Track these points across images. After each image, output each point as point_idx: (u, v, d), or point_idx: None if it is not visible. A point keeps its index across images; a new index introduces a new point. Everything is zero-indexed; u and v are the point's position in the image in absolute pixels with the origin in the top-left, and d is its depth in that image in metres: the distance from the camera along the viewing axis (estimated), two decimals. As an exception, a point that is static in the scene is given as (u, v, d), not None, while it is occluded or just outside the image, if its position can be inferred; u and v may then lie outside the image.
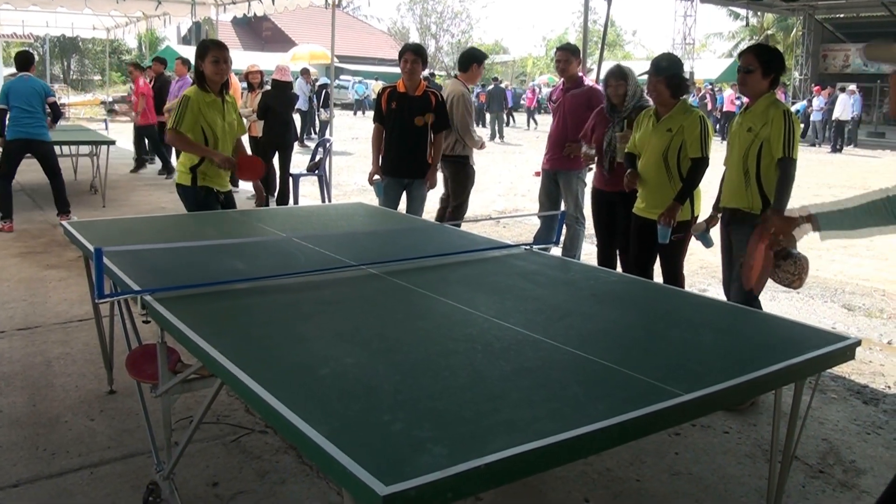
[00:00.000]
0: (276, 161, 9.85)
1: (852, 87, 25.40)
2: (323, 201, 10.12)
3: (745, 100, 4.37)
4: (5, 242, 7.74)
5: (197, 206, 5.04)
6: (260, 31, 49.92)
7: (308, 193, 11.03)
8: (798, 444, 2.80)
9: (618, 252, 5.59)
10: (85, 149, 11.00)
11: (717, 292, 6.16)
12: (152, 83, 12.70)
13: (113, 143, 10.68)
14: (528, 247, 3.92)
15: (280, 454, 3.53)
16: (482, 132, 7.62)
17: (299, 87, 18.42)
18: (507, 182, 13.67)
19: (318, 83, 22.27)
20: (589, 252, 6.85)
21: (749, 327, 2.81)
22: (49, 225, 8.64)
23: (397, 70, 6.29)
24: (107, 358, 4.19)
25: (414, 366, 2.22)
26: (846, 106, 23.93)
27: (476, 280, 3.27)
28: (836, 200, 2.75)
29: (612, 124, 5.44)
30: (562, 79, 6.50)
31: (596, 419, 1.86)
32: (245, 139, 5.92)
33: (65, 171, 9.03)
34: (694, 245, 4.88)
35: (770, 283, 4.24)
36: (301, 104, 18.34)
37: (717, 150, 4.40)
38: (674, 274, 4.76)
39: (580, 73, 6.51)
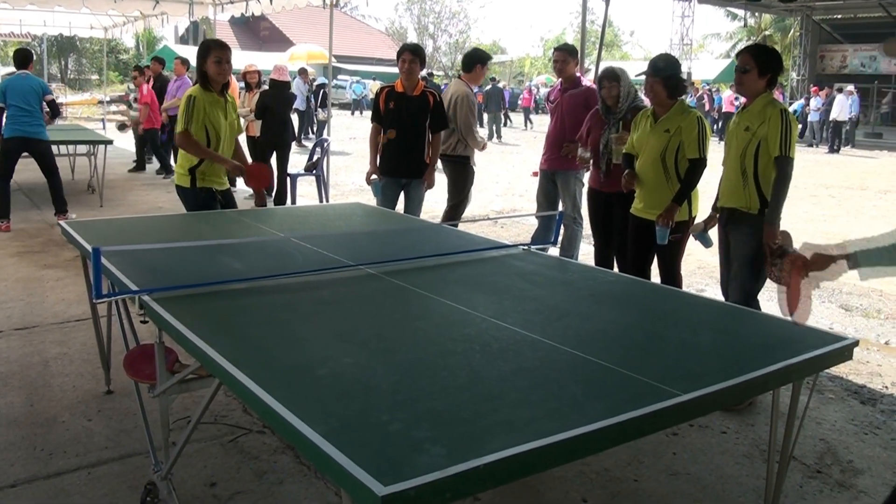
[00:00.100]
0: (273, 161, 9.85)
1: (850, 87, 25.42)
2: (320, 201, 10.11)
3: (742, 100, 4.37)
4: (2, 242, 7.73)
5: (197, 207, 5.05)
6: (258, 31, 49.89)
7: (305, 193, 11.02)
8: (796, 444, 2.80)
9: (615, 252, 5.60)
10: (82, 148, 10.99)
11: (714, 292, 6.16)
12: (151, 83, 12.69)
13: (110, 142, 10.67)
14: (526, 247, 3.92)
15: (278, 454, 3.52)
16: (480, 132, 7.64)
17: (297, 87, 18.41)
18: (504, 182, 13.67)
19: (315, 83, 22.25)
20: (586, 252, 6.86)
21: (747, 327, 2.82)
22: (46, 224, 8.63)
23: (395, 70, 6.28)
24: (104, 358, 4.19)
25: (412, 366, 2.22)
26: (844, 106, 23.95)
27: (474, 280, 3.27)
28: (871, 237, 2.70)
29: (607, 126, 5.44)
30: (559, 79, 6.50)
31: (594, 419, 1.86)
32: (242, 139, 5.92)
33: (62, 170, 9.01)
34: (691, 245, 4.88)
35: (768, 283, 4.26)
36: (299, 104, 18.33)
37: (715, 151, 4.40)
38: (671, 274, 4.76)
39: (578, 74, 6.52)
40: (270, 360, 2.21)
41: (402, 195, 6.32)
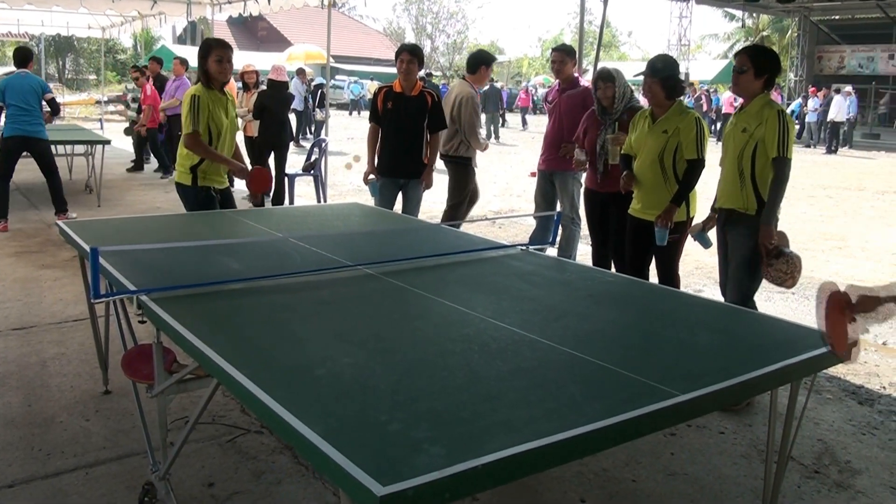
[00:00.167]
0: (271, 161, 9.84)
1: (848, 88, 25.46)
2: (318, 201, 10.11)
3: (742, 102, 4.37)
4: (0, 242, 7.72)
5: (197, 205, 5.07)
6: (255, 31, 49.88)
7: (303, 193, 11.02)
8: (794, 444, 2.80)
9: (611, 252, 5.61)
10: (80, 148, 10.99)
11: (712, 293, 6.17)
12: (151, 83, 12.70)
13: (108, 142, 10.67)
14: (524, 247, 3.92)
15: (276, 454, 3.52)
16: (482, 133, 7.67)
17: (295, 87, 18.40)
18: (502, 182, 13.67)
19: (313, 83, 22.25)
20: (584, 252, 6.86)
21: (745, 328, 2.82)
22: (44, 224, 8.62)
23: (393, 70, 6.29)
24: (102, 358, 4.18)
25: (411, 366, 2.22)
26: (841, 107, 23.98)
27: (472, 280, 3.27)
28: None
29: (603, 126, 5.45)
30: (557, 79, 6.51)
31: (593, 419, 1.86)
32: (240, 138, 5.94)
33: (60, 170, 8.99)
34: (689, 246, 4.89)
35: (765, 283, 4.27)
36: (297, 104, 18.33)
37: (713, 151, 4.40)
38: (669, 275, 4.77)
39: (576, 74, 6.52)
40: (269, 361, 2.21)
41: (400, 195, 6.32)
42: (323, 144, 10.48)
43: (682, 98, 4.80)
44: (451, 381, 2.10)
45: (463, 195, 6.89)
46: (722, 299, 4.36)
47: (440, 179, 6.75)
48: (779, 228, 4.21)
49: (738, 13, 35.71)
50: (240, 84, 10.99)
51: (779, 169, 4.03)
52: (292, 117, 15.15)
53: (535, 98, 36.49)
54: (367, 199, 6.67)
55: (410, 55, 6.00)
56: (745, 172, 4.16)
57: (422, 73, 7.66)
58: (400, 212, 6.14)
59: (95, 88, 38.49)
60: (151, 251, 3.36)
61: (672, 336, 2.61)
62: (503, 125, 27.03)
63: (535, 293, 3.06)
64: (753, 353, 2.45)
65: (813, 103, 25.62)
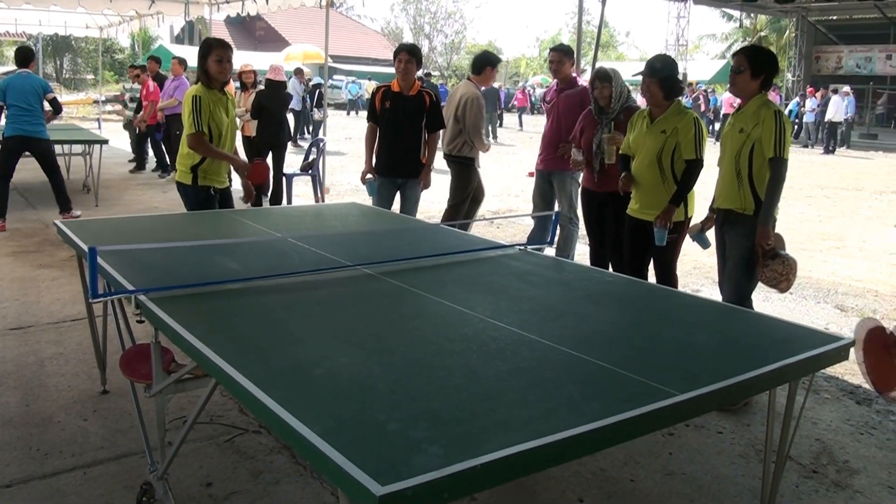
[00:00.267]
0: (269, 161, 9.83)
1: (846, 88, 25.48)
2: (316, 201, 10.11)
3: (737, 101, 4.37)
4: (-2, 242, 7.72)
5: (197, 204, 5.11)
6: (253, 31, 49.83)
7: (301, 193, 11.02)
8: (792, 444, 2.80)
9: (609, 252, 5.61)
10: (78, 148, 10.97)
11: (710, 293, 6.17)
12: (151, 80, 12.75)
13: (106, 142, 10.67)
14: (522, 247, 3.92)
15: (274, 454, 3.52)
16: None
17: (293, 87, 18.39)
18: (500, 182, 13.66)
19: (311, 83, 22.25)
20: (582, 252, 6.86)
21: (743, 328, 2.82)
22: (42, 224, 8.61)
23: (391, 70, 6.29)
24: (100, 358, 4.18)
25: (409, 366, 2.22)
26: (839, 107, 24.00)
27: (471, 280, 3.27)
28: None
29: (599, 126, 5.46)
30: (555, 79, 6.51)
31: (591, 419, 1.86)
32: (238, 138, 5.95)
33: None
34: (687, 246, 4.89)
35: (761, 284, 4.27)
36: (295, 104, 18.32)
37: (711, 152, 4.41)
38: (667, 274, 4.77)
39: (574, 74, 6.52)
40: (267, 360, 2.20)
41: (398, 195, 6.33)
42: (321, 144, 10.48)
43: (680, 98, 4.80)
44: (449, 380, 2.11)
45: (464, 195, 6.91)
46: (720, 299, 4.37)
47: (439, 179, 6.76)
48: (777, 230, 4.22)
49: (736, 13, 35.81)
50: (237, 84, 10.99)
51: (775, 169, 4.04)
52: (290, 117, 15.15)
53: (534, 98, 36.51)
54: (364, 198, 6.67)
55: (409, 55, 6.00)
56: (743, 173, 4.16)
57: (421, 73, 7.67)
58: (398, 211, 6.14)
59: (93, 88, 38.47)
60: (149, 251, 3.36)
61: (670, 336, 2.62)
62: (500, 125, 27.03)
63: (534, 293, 3.06)
64: (751, 353, 2.45)
65: (810, 103, 25.65)
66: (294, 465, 3.42)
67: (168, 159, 12.59)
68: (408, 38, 45.82)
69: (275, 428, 1.88)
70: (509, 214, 10.01)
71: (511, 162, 17.48)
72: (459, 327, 2.57)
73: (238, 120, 9.53)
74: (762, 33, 38.96)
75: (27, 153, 8.63)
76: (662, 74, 4.58)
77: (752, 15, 36.59)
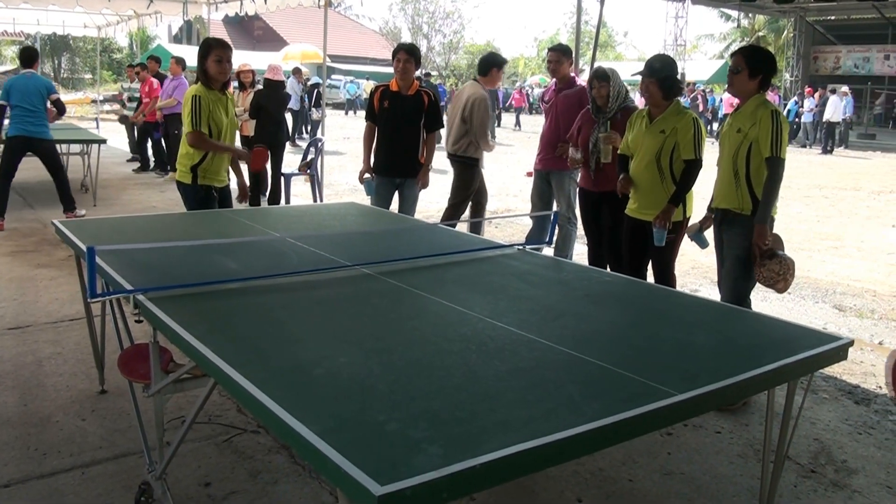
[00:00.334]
0: (267, 161, 9.83)
1: (845, 88, 25.50)
2: (315, 201, 10.10)
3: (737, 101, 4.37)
4: (-4, 241, 7.71)
5: (197, 203, 5.16)
6: (251, 31, 49.79)
7: (300, 193, 11.01)
8: (790, 443, 2.80)
9: (606, 251, 5.62)
10: (76, 147, 10.96)
11: (708, 293, 6.18)
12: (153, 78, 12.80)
13: (104, 141, 10.66)
14: (520, 247, 3.92)
15: (272, 454, 3.52)
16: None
17: (291, 87, 18.38)
18: (498, 182, 13.66)
19: (309, 82, 22.24)
20: (580, 252, 6.86)
21: (742, 328, 2.82)
22: (40, 224, 8.61)
23: (389, 70, 6.31)
24: (98, 357, 4.18)
25: (408, 365, 2.22)
26: (837, 107, 24.02)
27: (470, 280, 3.27)
28: None
29: (596, 125, 5.47)
30: (554, 79, 6.52)
31: (591, 419, 1.86)
32: (236, 138, 5.97)
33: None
34: (685, 246, 4.89)
35: (760, 284, 4.27)
36: (293, 104, 18.32)
37: (709, 152, 4.41)
38: (665, 274, 4.77)
39: (572, 74, 6.52)
40: (266, 360, 2.20)
41: (396, 195, 6.32)
42: (319, 144, 10.47)
43: (679, 98, 4.81)
44: (448, 380, 2.10)
45: (466, 195, 6.94)
46: (719, 299, 4.37)
47: (437, 179, 6.76)
48: (775, 230, 4.22)
49: (734, 13, 35.84)
50: (236, 83, 10.99)
51: (772, 169, 4.04)
52: (288, 117, 15.14)
53: (532, 98, 36.52)
54: (362, 198, 6.66)
55: (407, 55, 6.00)
56: (740, 172, 4.16)
57: (422, 73, 7.69)
58: (396, 211, 6.14)
59: (91, 88, 38.42)
60: (148, 251, 3.35)
61: (669, 336, 2.62)
62: (499, 125, 27.04)
63: (533, 293, 3.06)
64: (750, 353, 2.45)
65: (808, 103, 25.67)
66: (292, 465, 3.42)
67: (166, 159, 12.59)
68: (406, 38, 45.78)
69: (274, 428, 1.87)
70: (507, 214, 10.01)
71: (509, 162, 17.48)
72: (458, 327, 2.57)
73: (236, 119, 9.53)
74: (760, 33, 38.97)
75: (30, 153, 8.64)
76: (662, 74, 4.58)
77: (749, 15, 36.61)
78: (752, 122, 4.09)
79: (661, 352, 2.43)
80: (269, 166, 9.83)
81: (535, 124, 25.68)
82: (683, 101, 23.26)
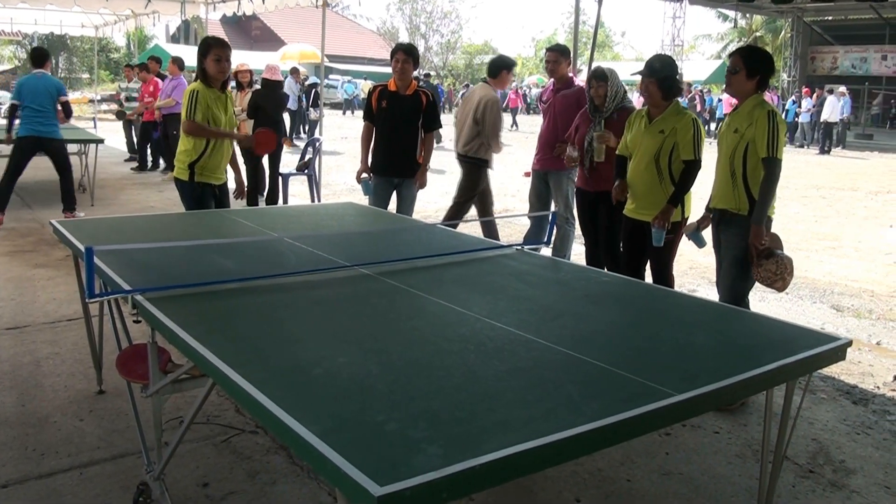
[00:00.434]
0: (265, 160, 9.82)
1: (842, 89, 25.53)
2: (312, 201, 10.10)
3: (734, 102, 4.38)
4: (-7, 241, 7.70)
5: (193, 200, 5.24)
6: (249, 31, 49.76)
7: (297, 193, 11.01)
8: (788, 444, 2.81)
9: (603, 251, 5.63)
10: (73, 147, 10.93)
11: (706, 293, 6.18)
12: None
13: (102, 141, 10.65)
14: (519, 247, 3.92)
15: (271, 454, 3.52)
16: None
17: (289, 87, 18.38)
18: (496, 182, 13.62)
19: (307, 82, 22.23)
20: (578, 252, 6.86)
21: (740, 328, 2.82)
22: (38, 224, 8.60)
23: (387, 70, 6.32)
24: (96, 358, 4.17)
25: (408, 366, 2.21)
26: (834, 108, 24.05)
27: (468, 280, 3.27)
28: None
29: (592, 124, 5.48)
30: (552, 79, 6.52)
31: (590, 419, 1.86)
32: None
33: (51, 169, 8.98)
34: (683, 246, 4.89)
35: (759, 284, 4.27)
36: (290, 103, 18.31)
37: (708, 152, 4.41)
38: (664, 275, 4.77)
39: (570, 74, 6.53)
40: (265, 360, 2.20)
41: (394, 195, 6.33)
42: (317, 144, 10.46)
43: (678, 98, 4.81)
44: (448, 380, 2.10)
45: (472, 194, 6.96)
46: (717, 299, 4.37)
47: (435, 179, 6.76)
48: (773, 230, 4.22)
49: (732, 13, 35.88)
50: (233, 83, 10.98)
51: (769, 169, 4.04)
52: (286, 117, 15.13)
53: (529, 99, 36.52)
54: (361, 198, 6.66)
55: (406, 55, 6.00)
56: (737, 173, 4.17)
57: (422, 73, 7.70)
58: (394, 211, 6.14)
59: (88, 87, 38.41)
60: (146, 251, 3.35)
61: (668, 336, 2.62)
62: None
63: (531, 293, 3.06)
64: (749, 353, 2.45)
65: (806, 104, 25.70)
66: (291, 466, 3.41)
67: (165, 158, 12.60)
68: (404, 38, 45.75)
69: (273, 428, 1.87)
70: (506, 214, 10.00)
71: (507, 161, 17.47)
72: (457, 327, 2.57)
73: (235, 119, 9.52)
74: (758, 34, 39.01)
75: (40, 153, 8.71)
76: (661, 75, 4.58)
77: (747, 15, 36.64)
78: (748, 122, 4.10)
79: (659, 352, 2.43)
80: (267, 166, 9.84)
81: (533, 124, 25.67)
82: (681, 101, 23.29)
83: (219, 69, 5.09)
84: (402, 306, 2.87)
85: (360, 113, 17.24)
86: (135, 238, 3.85)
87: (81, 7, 14.09)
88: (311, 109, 21.04)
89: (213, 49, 5.08)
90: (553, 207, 6.40)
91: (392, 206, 6.33)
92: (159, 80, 12.62)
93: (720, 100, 27.35)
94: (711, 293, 5.49)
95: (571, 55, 7.25)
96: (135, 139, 13.99)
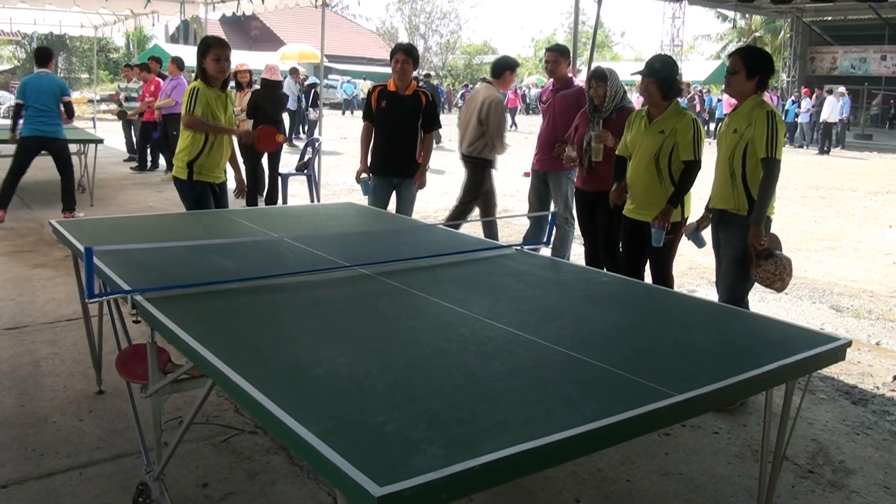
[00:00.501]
0: (264, 160, 9.82)
1: (842, 89, 25.54)
2: (312, 201, 10.10)
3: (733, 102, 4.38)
4: (-8, 241, 7.69)
5: (192, 199, 5.28)
6: (248, 31, 49.75)
7: (297, 193, 11.01)
8: (788, 444, 2.81)
9: (601, 251, 5.63)
10: (73, 147, 10.92)
11: (705, 293, 6.18)
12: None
13: (101, 141, 10.64)
14: (518, 247, 3.92)
15: (270, 455, 3.51)
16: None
17: (288, 87, 18.37)
18: (496, 182, 13.67)
19: (306, 82, 22.22)
20: (578, 252, 6.86)
21: (740, 328, 2.82)
22: (37, 224, 8.59)
23: (386, 70, 6.32)
24: (95, 358, 4.17)
25: (407, 366, 2.21)
26: (834, 108, 24.06)
27: (468, 280, 3.27)
28: None
29: (591, 124, 5.48)
30: (551, 79, 6.52)
31: (590, 419, 1.86)
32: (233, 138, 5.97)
33: (51, 169, 8.99)
34: (683, 246, 4.89)
35: (758, 285, 4.27)
36: (290, 104, 18.30)
37: (707, 152, 4.41)
38: (663, 275, 4.77)
39: (570, 74, 6.53)
40: (264, 361, 2.20)
41: (394, 195, 6.32)
42: (316, 144, 10.46)
43: (678, 99, 4.81)
44: (447, 381, 2.10)
45: (476, 195, 6.97)
46: (716, 299, 4.37)
47: (435, 179, 6.76)
48: (772, 230, 4.22)
49: (731, 14, 35.88)
50: (233, 83, 10.98)
51: (768, 169, 4.04)
52: (285, 117, 15.13)
53: (529, 99, 36.53)
54: (360, 198, 6.66)
55: (405, 55, 6.00)
56: (737, 173, 4.17)
57: (422, 73, 7.71)
58: (394, 211, 6.14)
59: (88, 87, 38.38)
60: (146, 251, 3.35)
61: (667, 336, 2.62)
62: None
63: (531, 293, 3.06)
64: (748, 354, 2.45)
65: (805, 104, 25.71)
66: (290, 466, 3.41)
67: (165, 158, 12.61)
68: (403, 38, 45.75)
69: (272, 428, 1.87)
70: (505, 215, 10.00)
71: (506, 161, 17.45)
72: (457, 328, 2.57)
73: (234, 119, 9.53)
74: (757, 34, 39.02)
75: (43, 153, 8.73)
76: (661, 75, 4.58)
77: (746, 15, 36.65)
78: (748, 122, 4.10)
79: (659, 352, 2.43)
80: (266, 167, 9.84)
81: (533, 125, 25.67)
82: (681, 101, 23.30)
83: (218, 69, 5.13)
84: (401, 306, 2.87)
85: (359, 113, 17.27)
86: (134, 238, 3.85)
87: (81, 7, 14.08)
88: (310, 109, 21.03)
89: (212, 49, 5.12)
90: (552, 208, 6.40)
91: (392, 206, 6.33)
92: (161, 80, 12.65)
93: (720, 100, 27.34)
94: (711, 293, 5.49)
95: (571, 55, 7.25)
96: (134, 139, 14.02)
